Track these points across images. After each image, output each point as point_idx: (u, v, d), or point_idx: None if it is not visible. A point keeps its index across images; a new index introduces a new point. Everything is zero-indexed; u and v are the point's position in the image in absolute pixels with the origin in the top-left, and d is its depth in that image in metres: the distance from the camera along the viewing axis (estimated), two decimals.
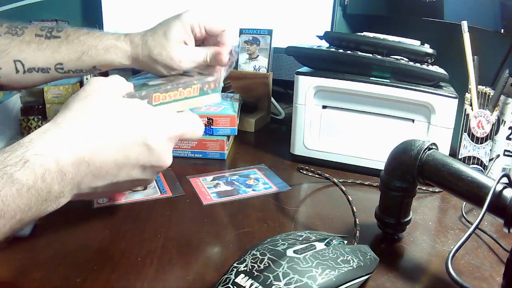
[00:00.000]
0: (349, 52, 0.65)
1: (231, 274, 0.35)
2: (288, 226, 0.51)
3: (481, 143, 0.64)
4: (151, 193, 0.57)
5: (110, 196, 0.55)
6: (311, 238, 0.40)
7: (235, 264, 0.36)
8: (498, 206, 0.37)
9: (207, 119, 0.69)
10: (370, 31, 0.71)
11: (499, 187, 0.38)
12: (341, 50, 0.66)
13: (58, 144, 0.34)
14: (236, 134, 0.71)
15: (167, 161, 0.43)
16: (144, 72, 0.57)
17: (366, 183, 0.63)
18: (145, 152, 0.40)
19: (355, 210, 0.48)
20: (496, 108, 0.63)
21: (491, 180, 0.39)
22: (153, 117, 0.41)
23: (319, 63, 0.68)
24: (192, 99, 0.51)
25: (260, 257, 0.36)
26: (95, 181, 0.38)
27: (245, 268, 0.35)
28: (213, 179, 0.63)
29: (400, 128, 0.65)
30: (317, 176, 0.61)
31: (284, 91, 1.08)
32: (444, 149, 0.60)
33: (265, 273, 0.34)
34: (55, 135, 0.35)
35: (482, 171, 0.64)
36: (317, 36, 0.72)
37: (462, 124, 0.66)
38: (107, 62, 0.54)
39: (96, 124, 0.37)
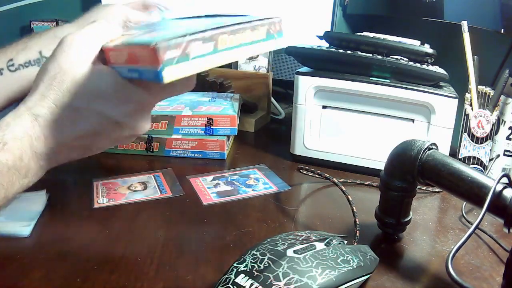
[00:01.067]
0: (349, 52, 0.65)
1: (231, 274, 0.35)
2: (288, 226, 0.51)
3: (481, 143, 0.64)
4: (151, 193, 0.57)
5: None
6: (311, 238, 0.40)
7: (235, 264, 0.36)
8: (498, 206, 0.37)
9: (207, 119, 0.69)
10: (370, 31, 0.71)
11: (499, 187, 0.38)
12: (341, 50, 0.66)
13: (31, 128, 0.36)
14: (236, 134, 0.71)
15: (142, 129, 0.41)
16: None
17: (366, 183, 0.63)
18: (116, 128, 0.39)
19: (355, 210, 0.48)
20: (496, 108, 0.63)
21: (491, 180, 0.39)
22: (119, 88, 0.38)
23: (319, 63, 0.68)
24: (259, 44, 0.41)
25: (260, 257, 0.36)
26: (70, 154, 0.39)
27: (245, 268, 0.35)
28: (213, 179, 0.63)
29: (400, 128, 0.65)
30: (317, 176, 0.61)
31: (284, 91, 1.08)
32: (444, 149, 0.60)
33: (265, 273, 0.34)
34: (27, 120, 0.36)
35: (482, 171, 0.64)
36: (317, 36, 0.72)
37: (462, 124, 0.66)
38: (50, 36, 0.55)
39: (64, 106, 0.37)
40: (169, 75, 0.34)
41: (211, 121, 0.69)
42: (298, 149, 0.71)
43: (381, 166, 0.48)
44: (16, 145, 0.35)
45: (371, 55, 0.64)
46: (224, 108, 0.71)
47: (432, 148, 0.44)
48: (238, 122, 0.72)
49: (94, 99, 0.37)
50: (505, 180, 0.39)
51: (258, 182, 0.62)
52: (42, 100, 0.37)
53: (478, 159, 0.65)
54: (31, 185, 0.38)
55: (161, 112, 0.69)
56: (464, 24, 0.64)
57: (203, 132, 0.69)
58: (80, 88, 0.37)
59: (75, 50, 0.38)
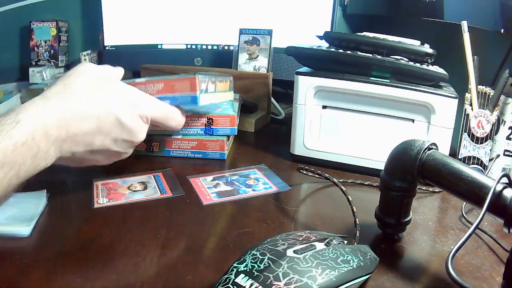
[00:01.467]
0: (349, 52, 0.65)
1: (231, 274, 0.35)
2: (288, 226, 0.51)
3: (481, 143, 0.64)
4: (151, 193, 0.57)
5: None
6: (311, 238, 0.40)
7: (235, 264, 0.36)
8: (498, 206, 0.37)
9: (207, 119, 0.69)
10: (370, 31, 0.71)
11: (499, 187, 0.38)
12: (341, 50, 0.66)
13: (44, 110, 0.42)
14: (236, 134, 0.71)
15: (138, 136, 0.51)
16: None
17: (366, 183, 0.63)
18: (116, 126, 0.47)
19: (355, 210, 0.48)
20: (496, 108, 0.63)
21: (491, 180, 0.39)
22: (129, 96, 0.49)
23: (319, 63, 0.68)
24: (228, 93, 0.61)
25: (260, 257, 0.36)
26: (73, 146, 0.45)
27: (245, 268, 0.35)
28: (213, 179, 0.63)
29: (400, 128, 0.65)
30: (317, 176, 0.61)
31: (284, 91, 1.08)
32: (444, 149, 0.60)
33: (265, 273, 0.34)
34: (42, 102, 0.42)
35: (482, 171, 0.64)
36: (317, 36, 0.72)
37: (462, 124, 0.66)
38: None
39: (75, 97, 0.45)
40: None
41: (211, 121, 0.69)
42: (298, 149, 0.71)
43: (381, 166, 0.48)
44: (29, 122, 0.39)
45: (371, 55, 0.64)
46: (224, 108, 0.71)
47: (432, 148, 0.44)
48: (238, 122, 0.72)
49: (96, 89, 0.47)
50: (505, 180, 0.39)
51: (258, 182, 0.62)
52: (54, 87, 0.46)
53: (478, 159, 0.65)
54: (39, 170, 0.41)
55: None
56: (464, 24, 0.64)
57: (203, 132, 0.69)
58: (88, 76, 0.48)
59: (88, 62, 0.50)
